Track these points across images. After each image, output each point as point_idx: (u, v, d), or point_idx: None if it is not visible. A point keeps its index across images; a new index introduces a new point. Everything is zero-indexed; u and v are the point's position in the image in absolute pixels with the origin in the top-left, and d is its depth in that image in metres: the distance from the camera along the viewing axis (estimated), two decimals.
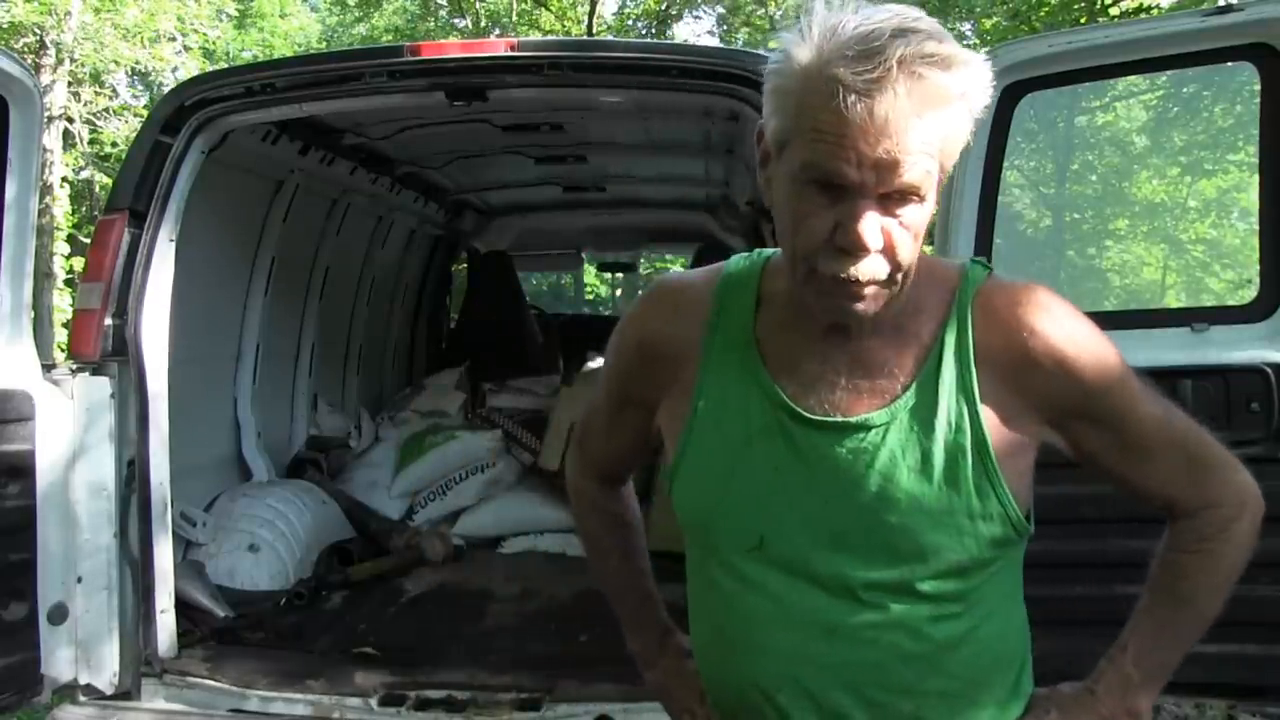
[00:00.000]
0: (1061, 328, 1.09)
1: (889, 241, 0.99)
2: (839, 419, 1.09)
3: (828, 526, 1.09)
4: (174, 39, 12.42)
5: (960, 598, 1.10)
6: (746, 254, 1.23)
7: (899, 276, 1.02)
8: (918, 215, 1.00)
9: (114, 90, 13.56)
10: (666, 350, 1.20)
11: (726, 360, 1.16)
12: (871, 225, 0.97)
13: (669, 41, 17.69)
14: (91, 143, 13.55)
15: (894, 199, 0.98)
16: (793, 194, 1.01)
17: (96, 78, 12.71)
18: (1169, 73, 3.30)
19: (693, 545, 1.22)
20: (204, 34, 13.26)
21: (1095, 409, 1.11)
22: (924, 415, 1.08)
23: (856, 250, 0.98)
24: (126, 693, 2.62)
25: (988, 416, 1.08)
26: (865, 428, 1.08)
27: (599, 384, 1.35)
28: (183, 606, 2.94)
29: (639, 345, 1.25)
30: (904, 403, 1.08)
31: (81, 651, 2.55)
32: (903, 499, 1.07)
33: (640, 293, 1.36)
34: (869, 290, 1.01)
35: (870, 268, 0.99)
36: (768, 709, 1.14)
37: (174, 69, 12.58)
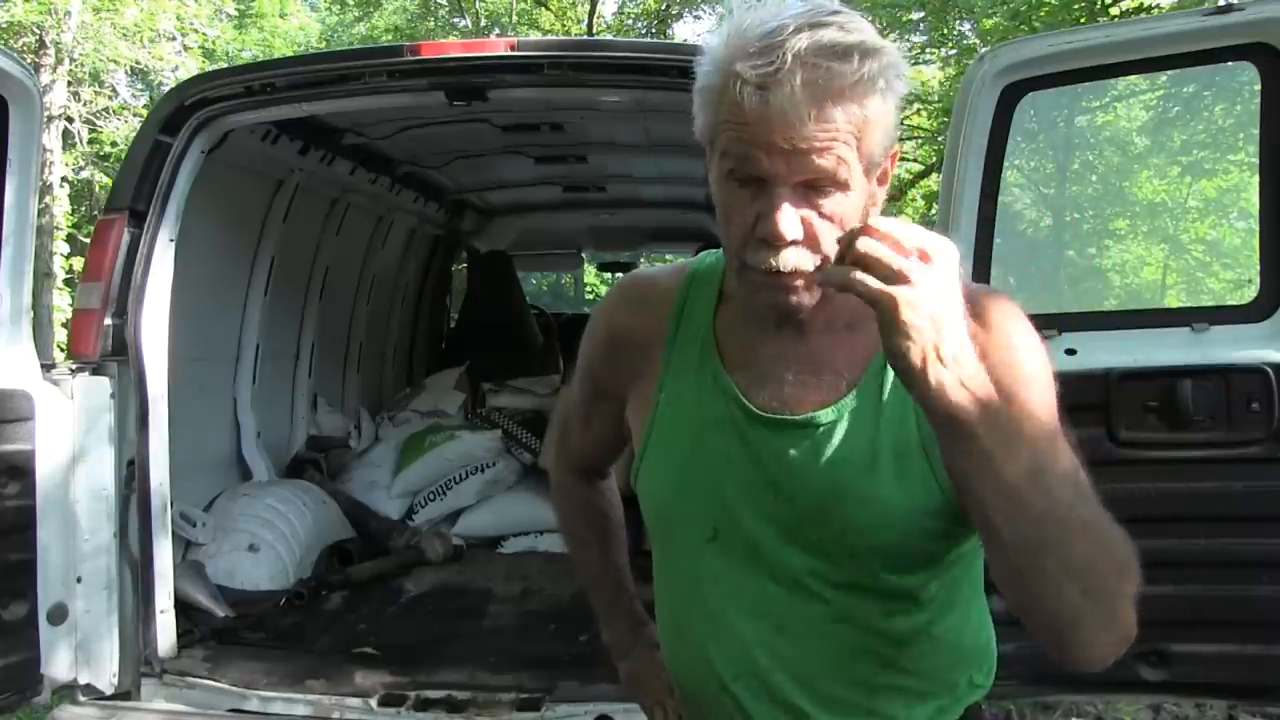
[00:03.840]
0: (1008, 338, 1.04)
1: (810, 231, 0.99)
2: (787, 416, 1.10)
3: (779, 520, 1.10)
4: (174, 38, 12.39)
5: (912, 593, 1.10)
6: (715, 250, 1.24)
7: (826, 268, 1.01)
8: (841, 205, 0.99)
9: (114, 90, 13.51)
10: (633, 342, 1.23)
11: (687, 354, 1.18)
12: (788, 216, 0.98)
13: (669, 41, 17.67)
14: (91, 142, 13.52)
15: (813, 189, 0.98)
16: (721, 190, 1.03)
17: (96, 77, 12.68)
18: (1169, 73, 3.29)
19: (655, 535, 1.24)
20: (204, 34, 13.25)
21: None
22: (869, 414, 1.08)
23: (775, 241, 0.98)
24: (126, 693, 2.62)
25: None
26: (812, 425, 1.09)
27: (575, 378, 1.38)
28: (183, 606, 2.94)
29: (608, 337, 1.28)
30: (850, 401, 1.09)
31: (81, 651, 2.55)
32: (849, 496, 1.07)
33: (612, 286, 1.37)
34: (797, 282, 1.01)
35: (792, 258, 0.99)
36: (724, 697, 1.16)
37: (174, 69, 12.54)
